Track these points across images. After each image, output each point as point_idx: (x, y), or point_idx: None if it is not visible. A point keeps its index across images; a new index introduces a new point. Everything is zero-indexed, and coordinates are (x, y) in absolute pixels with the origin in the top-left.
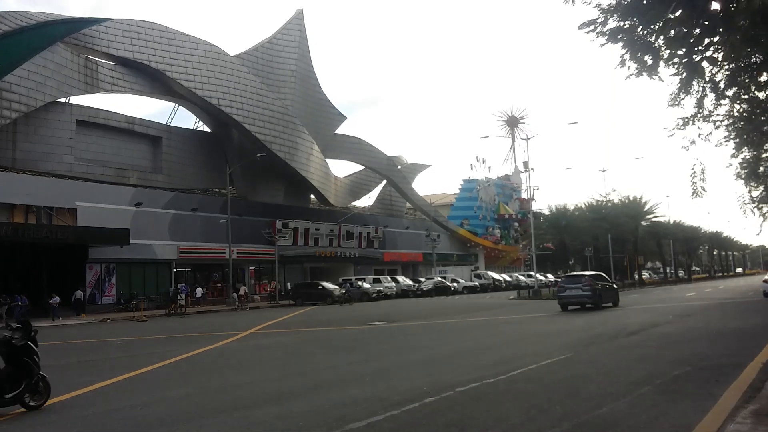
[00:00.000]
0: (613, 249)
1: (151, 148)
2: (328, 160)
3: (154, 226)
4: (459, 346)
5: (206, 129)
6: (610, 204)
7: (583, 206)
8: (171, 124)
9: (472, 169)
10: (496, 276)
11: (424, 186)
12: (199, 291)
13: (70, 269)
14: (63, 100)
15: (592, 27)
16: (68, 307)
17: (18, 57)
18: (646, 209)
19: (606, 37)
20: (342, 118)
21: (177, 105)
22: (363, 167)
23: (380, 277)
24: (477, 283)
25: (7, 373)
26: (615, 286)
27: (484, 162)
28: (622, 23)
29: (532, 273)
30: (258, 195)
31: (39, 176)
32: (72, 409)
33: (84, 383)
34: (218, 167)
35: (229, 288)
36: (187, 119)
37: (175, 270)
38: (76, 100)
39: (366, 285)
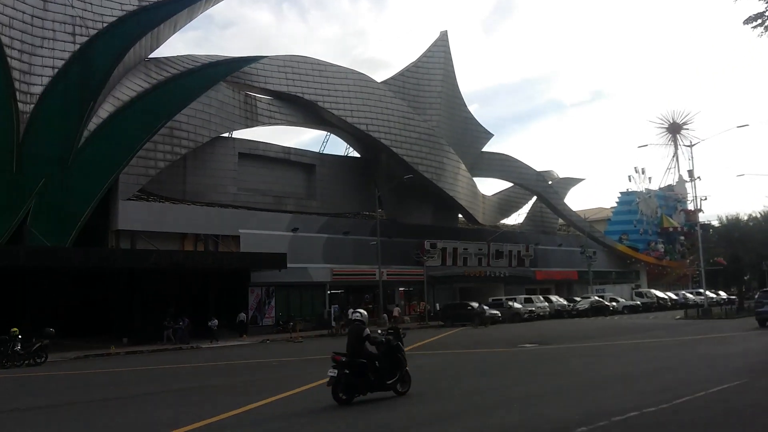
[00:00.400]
0: None
1: (306, 176)
2: (476, 179)
3: (309, 250)
4: (616, 370)
5: (356, 154)
6: None
7: (759, 216)
8: (323, 152)
9: (630, 180)
10: (659, 294)
11: (577, 201)
12: (349, 312)
13: (234, 293)
14: (226, 134)
15: (760, 21)
16: (233, 329)
17: (186, 97)
18: None
19: None
20: (489, 135)
21: (329, 133)
22: (512, 184)
23: (532, 296)
24: (638, 302)
25: (386, 365)
26: None
27: (643, 173)
28: None
29: (701, 290)
30: (407, 217)
31: (206, 206)
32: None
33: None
34: (368, 191)
35: (380, 309)
36: (338, 146)
37: (329, 292)
38: (237, 134)
39: (517, 305)
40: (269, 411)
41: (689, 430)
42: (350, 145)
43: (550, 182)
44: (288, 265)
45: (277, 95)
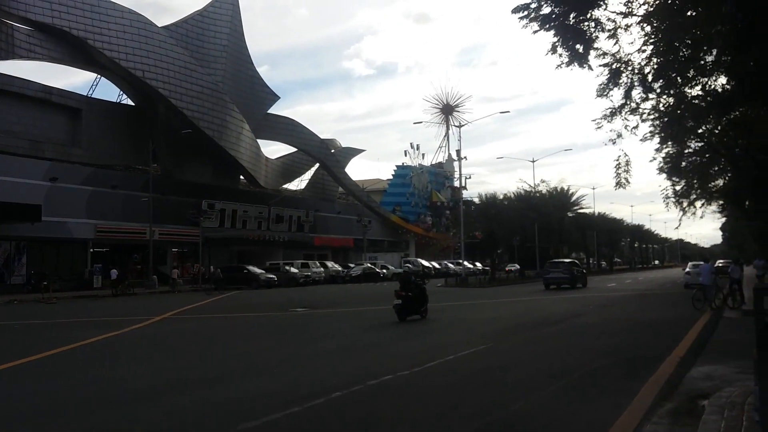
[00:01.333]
0: (539, 238)
1: (70, 121)
2: (260, 141)
3: (70, 203)
4: (380, 334)
5: (130, 103)
6: (538, 194)
7: (512, 196)
8: (92, 96)
9: (406, 155)
10: (426, 263)
11: (357, 171)
12: (113, 273)
13: None
14: None
15: (526, 12)
16: None
17: None
18: (572, 200)
19: (539, 23)
20: (275, 97)
21: (99, 76)
22: (296, 149)
23: (309, 262)
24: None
25: (416, 297)
26: (584, 271)
27: (418, 149)
28: (555, 8)
29: (461, 261)
30: (184, 174)
31: None
32: None
33: None
34: (142, 143)
35: (150, 270)
36: (110, 92)
37: (91, 250)
38: None
39: (294, 270)
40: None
41: (436, 393)
42: (124, 92)
43: (332, 150)
44: (43, 219)
45: (40, 27)
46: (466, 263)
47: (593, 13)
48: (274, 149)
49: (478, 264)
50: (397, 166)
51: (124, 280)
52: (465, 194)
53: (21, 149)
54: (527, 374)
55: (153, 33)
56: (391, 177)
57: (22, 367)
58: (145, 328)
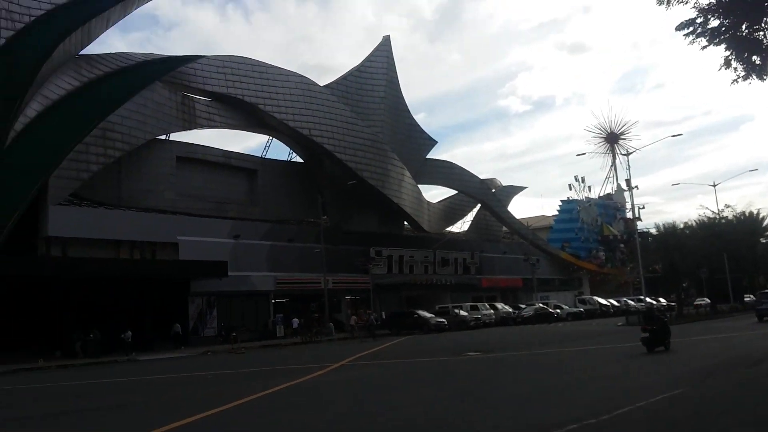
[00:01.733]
0: (729, 269)
1: (248, 181)
2: (421, 186)
3: (252, 258)
4: (558, 379)
5: (299, 160)
6: (723, 221)
7: (694, 224)
8: (266, 157)
9: (570, 189)
10: (602, 301)
11: (520, 209)
12: (294, 322)
13: (173, 303)
14: (163, 137)
15: (691, 28)
16: (169, 341)
17: (119, 97)
18: (764, 225)
19: (707, 38)
20: (432, 142)
21: (271, 138)
22: (456, 192)
23: (478, 304)
24: (582, 309)
25: (660, 330)
26: None
27: (583, 181)
28: (724, 20)
29: (642, 297)
30: (352, 224)
31: (143, 212)
32: None
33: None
34: (312, 197)
35: (327, 318)
36: (281, 151)
37: (273, 301)
38: (175, 136)
39: (463, 313)
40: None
41: None
42: (293, 150)
43: (493, 190)
44: (230, 274)
45: (217, 97)
46: (648, 299)
47: None
48: (435, 193)
49: (662, 300)
50: (562, 201)
51: (312, 328)
52: (640, 225)
53: (207, 210)
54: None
55: (316, 93)
56: (557, 212)
57: (213, 419)
58: (325, 375)
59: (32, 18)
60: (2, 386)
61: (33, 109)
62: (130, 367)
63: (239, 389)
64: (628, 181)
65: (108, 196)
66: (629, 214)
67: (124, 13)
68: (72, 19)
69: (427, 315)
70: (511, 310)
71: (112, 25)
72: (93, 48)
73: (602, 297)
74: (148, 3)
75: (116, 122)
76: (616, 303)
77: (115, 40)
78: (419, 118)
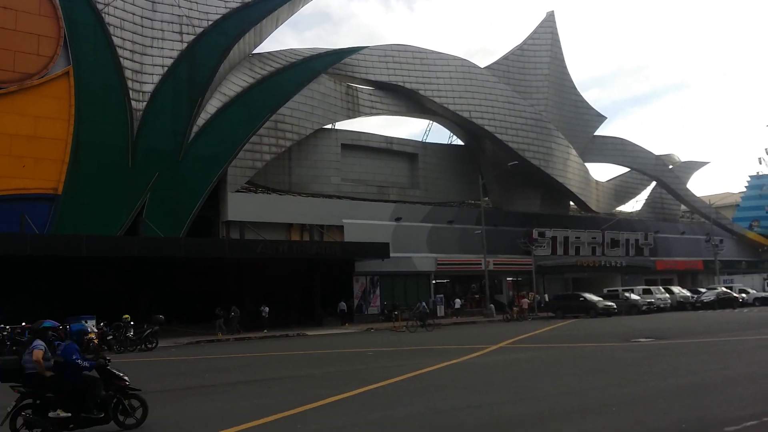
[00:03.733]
0: None
1: (409, 165)
2: (589, 165)
3: (413, 239)
4: (739, 370)
5: (460, 142)
6: None
7: None
8: (426, 141)
9: (761, 163)
10: None
11: (702, 186)
12: (457, 302)
13: (339, 282)
14: (329, 126)
15: None
16: (335, 318)
17: (289, 91)
18: None
19: None
20: (602, 118)
21: (431, 122)
22: (628, 169)
23: (651, 287)
24: None
25: None
26: None
27: None
28: None
29: None
30: (513, 205)
31: (311, 197)
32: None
33: (319, 396)
34: (472, 179)
35: (487, 299)
36: (441, 134)
37: (434, 281)
38: (340, 125)
39: (635, 296)
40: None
41: None
42: (453, 133)
43: (670, 166)
44: (391, 255)
45: (379, 85)
46: None
47: None
48: (605, 171)
49: None
50: (750, 176)
51: (515, 307)
52: None
53: (371, 195)
54: None
55: (476, 75)
56: (744, 189)
57: (369, 394)
58: (482, 357)
59: (210, 22)
60: (195, 355)
61: (213, 105)
62: (299, 341)
63: (393, 368)
64: None
65: (279, 182)
66: None
67: (292, 12)
68: (245, 21)
69: (595, 298)
70: (689, 294)
71: (282, 24)
72: (267, 46)
73: None
74: (316, 0)
75: (286, 114)
76: None
77: (288, 38)
78: (590, 94)
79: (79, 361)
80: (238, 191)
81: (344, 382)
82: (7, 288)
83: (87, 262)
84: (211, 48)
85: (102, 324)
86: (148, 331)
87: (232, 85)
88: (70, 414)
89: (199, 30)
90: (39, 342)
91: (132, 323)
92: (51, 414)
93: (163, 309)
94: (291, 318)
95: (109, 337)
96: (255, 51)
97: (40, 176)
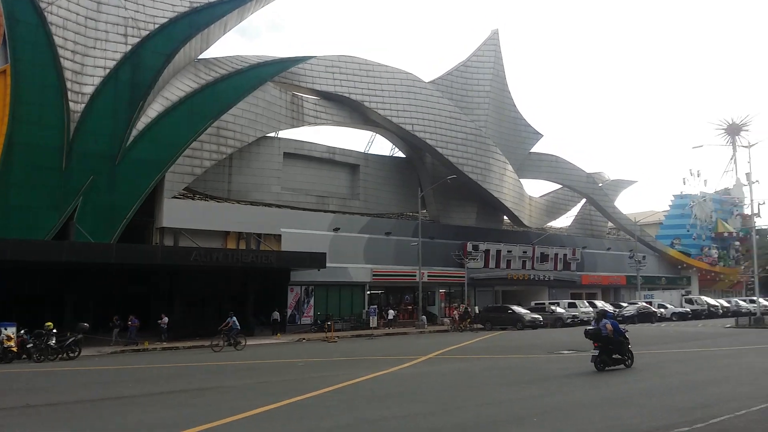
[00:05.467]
0: None
1: (350, 176)
2: (523, 180)
3: (350, 250)
4: (652, 383)
5: (401, 155)
6: None
7: None
8: (368, 152)
9: (684, 183)
10: (711, 301)
11: (628, 204)
12: (390, 313)
13: (274, 291)
14: (272, 134)
15: None
16: (267, 327)
17: (233, 97)
18: None
19: None
20: (538, 136)
21: (374, 134)
22: (560, 186)
23: (576, 301)
24: (688, 309)
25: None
26: None
27: (698, 175)
28: None
29: (755, 298)
30: (450, 218)
31: (250, 205)
32: None
33: (243, 408)
34: (412, 192)
35: (419, 310)
36: (383, 146)
37: (368, 292)
38: (283, 134)
39: (560, 310)
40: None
41: None
42: (395, 145)
43: (600, 184)
44: (328, 265)
45: (324, 95)
46: (762, 300)
47: None
48: (539, 187)
49: None
50: (675, 196)
51: (468, 317)
52: (759, 222)
53: (310, 204)
54: None
55: (421, 89)
56: (669, 208)
57: (296, 405)
58: (411, 368)
59: (156, 25)
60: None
61: (154, 109)
62: (229, 351)
63: (320, 380)
64: (748, 175)
65: (218, 189)
66: (748, 210)
67: (241, 18)
68: (192, 26)
69: (522, 311)
70: (611, 308)
71: (230, 30)
72: (214, 52)
73: (712, 297)
74: (268, 8)
75: (229, 121)
76: (726, 303)
77: (238, 45)
78: (528, 111)
79: None
80: (174, 197)
81: (271, 393)
82: None
83: (12, 267)
84: (155, 51)
85: (23, 331)
86: (71, 339)
87: (176, 89)
88: None
89: (144, 33)
90: None
91: (54, 331)
92: None
93: (90, 317)
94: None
95: (29, 345)
96: (201, 56)
97: None
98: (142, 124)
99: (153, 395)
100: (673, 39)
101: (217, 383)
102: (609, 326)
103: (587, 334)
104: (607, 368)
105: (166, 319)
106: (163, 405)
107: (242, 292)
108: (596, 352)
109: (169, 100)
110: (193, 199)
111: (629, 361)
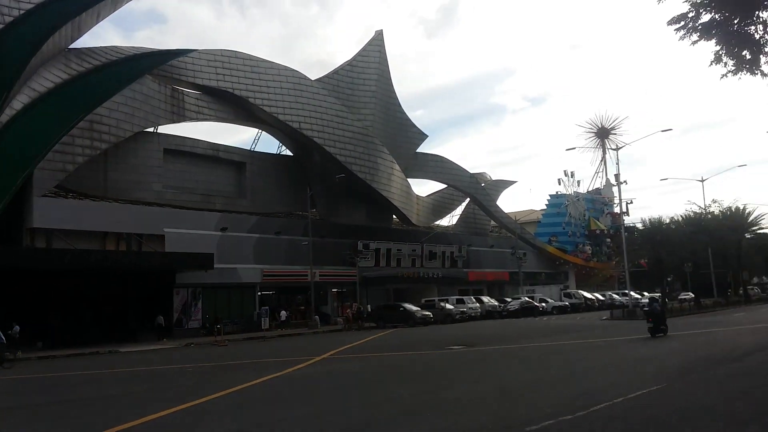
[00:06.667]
0: (714, 264)
1: (236, 174)
2: (411, 180)
3: (239, 250)
4: (537, 374)
5: (289, 153)
6: (709, 216)
7: (680, 219)
8: (255, 150)
9: (560, 183)
10: (587, 295)
11: (509, 203)
12: (283, 314)
13: (158, 295)
14: (151, 129)
15: (683, 23)
16: (152, 332)
17: (107, 90)
18: (750, 220)
19: (698, 33)
20: (423, 136)
21: (260, 131)
22: (446, 186)
23: (464, 297)
24: (567, 303)
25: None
26: None
27: (572, 176)
28: (715, 15)
29: (627, 291)
30: (340, 217)
31: (129, 204)
32: None
33: (121, 419)
34: (301, 190)
35: (312, 310)
36: (270, 144)
37: (259, 293)
38: (163, 129)
39: (449, 306)
40: None
41: None
42: (282, 144)
43: (482, 184)
44: (216, 266)
45: (207, 90)
46: (632, 293)
47: (761, 15)
48: (425, 187)
49: (647, 294)
50: (550, 195)
51: (361, 316)
52: (627, 220)
53: (195, 203)
54: (710, 420)
55: (307, 86)
56: (545, 207)
57: (179, 414)
58: (304, 369)
59: (21, 11)
60: None
61: (20, 101)
62: (109, 359)
63: (211, 384)
64: (616, 176)
65: (94, 187)
66: (617, 209)
67: (115, 8)
68: (62, 13)
69: (413, 308)
70: (497, 303)
71: (103, 19)
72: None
73: (588, 291)
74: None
75: (104, 114)
76: (601, 297)
77: (115, 38)
78: (416, 115)
79: None
80: (45, 195)
81: (154, 401)
82: None
83: None
84: (20, 39)
85: None
86: None
87: (44, 80)
88: None
89: (8, 19)
90: None
91: None
92: None
93: None
94: (102, 334)
95: None
96: (72, 46)
97: None
98: (6, 116)
99: (25, 407)
100: (557, 41)
101: (96, 393)
102: (658, 308)
103: (647, 313)
104: (657, 335)
105: (17, 328)
106: (29, 419)
107: (123, 297)
108: (651, 324)
109: (37, 92)
110: (65, 197)
111: (666, 331)
